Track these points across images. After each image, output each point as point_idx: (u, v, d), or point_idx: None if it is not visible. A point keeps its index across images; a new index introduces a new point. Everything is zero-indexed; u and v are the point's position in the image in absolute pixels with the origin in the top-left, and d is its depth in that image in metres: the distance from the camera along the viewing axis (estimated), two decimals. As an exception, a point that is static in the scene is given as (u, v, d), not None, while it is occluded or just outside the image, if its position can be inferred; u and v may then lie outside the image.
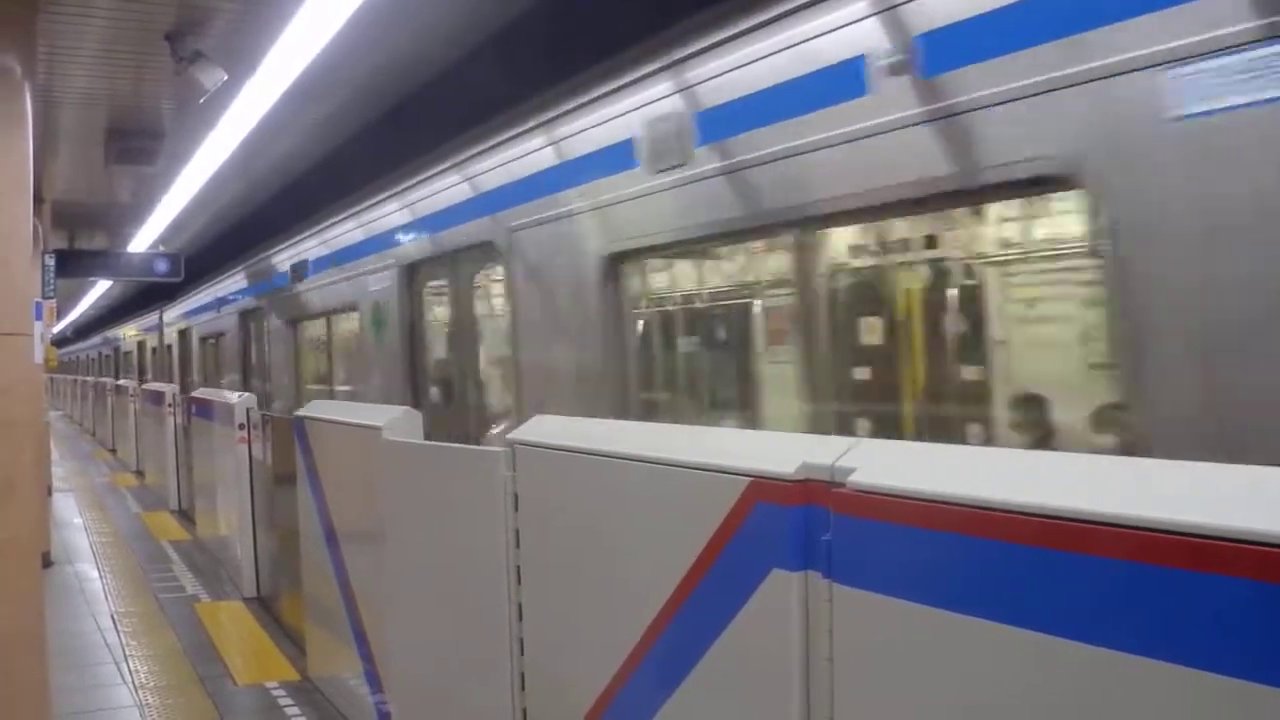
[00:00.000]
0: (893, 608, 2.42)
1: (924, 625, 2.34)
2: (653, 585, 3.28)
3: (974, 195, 3.51)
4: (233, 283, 13.90)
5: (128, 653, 8.16)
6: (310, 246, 10.29)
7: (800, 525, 2.69)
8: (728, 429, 3.63)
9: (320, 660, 7.26)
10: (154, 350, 22.25)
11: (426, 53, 8.04)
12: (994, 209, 3.78)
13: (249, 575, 10.26)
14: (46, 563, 10.59)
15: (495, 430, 6.52)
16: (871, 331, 4.13)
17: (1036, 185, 3.26)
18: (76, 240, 18.01)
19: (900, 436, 3.96)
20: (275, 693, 7.23)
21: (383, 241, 7.79)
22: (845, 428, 4.12)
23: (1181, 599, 1.86)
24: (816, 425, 4.18)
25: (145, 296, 24.09)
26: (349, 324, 9.35)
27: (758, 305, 4.86)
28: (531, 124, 5.62)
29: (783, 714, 2.75)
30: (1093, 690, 2.01)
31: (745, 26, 4.14)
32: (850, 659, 2.58)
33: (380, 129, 10.17)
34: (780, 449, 2.93)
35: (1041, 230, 3.73)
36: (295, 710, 6.86)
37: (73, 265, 16.24)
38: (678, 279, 5.23)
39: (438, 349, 7.58)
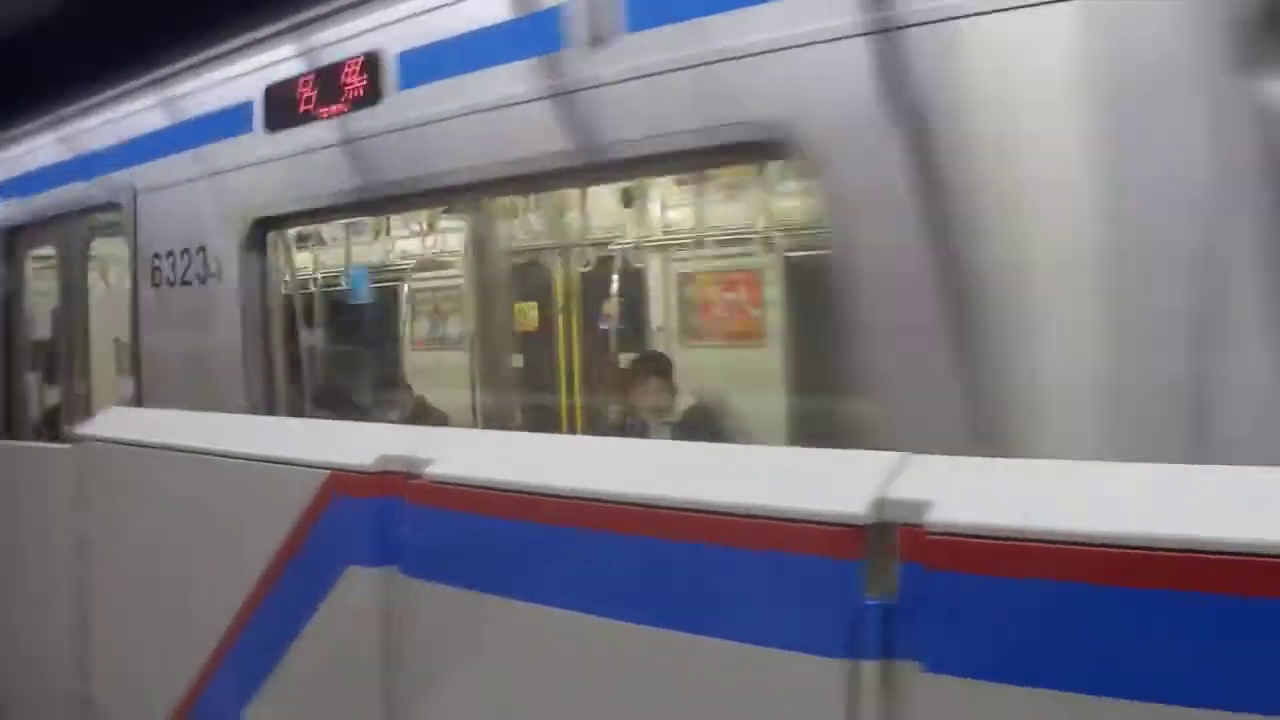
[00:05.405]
0: (466, 599, 2.44)
1: (494, 614, 2.37)
2: (234, 584, 3.16)
3: None
4: None
5: None
6: None
7: (377, 518, 2.66)
8: (314, 420, 3.53)
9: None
10: None
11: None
12: None
13: None
14: None
15: None
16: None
17: None
18: None
19: None
20: None
21: None
22: None
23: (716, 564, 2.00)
24: None
25: None
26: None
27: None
28: None
29: (366, 710, 2.72)
30: (637, 659, 2.13)
31: None
32: (429, 651, 2.58)
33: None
34: (364, 440, 2.88)
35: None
36: None
37: None
38: None
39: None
